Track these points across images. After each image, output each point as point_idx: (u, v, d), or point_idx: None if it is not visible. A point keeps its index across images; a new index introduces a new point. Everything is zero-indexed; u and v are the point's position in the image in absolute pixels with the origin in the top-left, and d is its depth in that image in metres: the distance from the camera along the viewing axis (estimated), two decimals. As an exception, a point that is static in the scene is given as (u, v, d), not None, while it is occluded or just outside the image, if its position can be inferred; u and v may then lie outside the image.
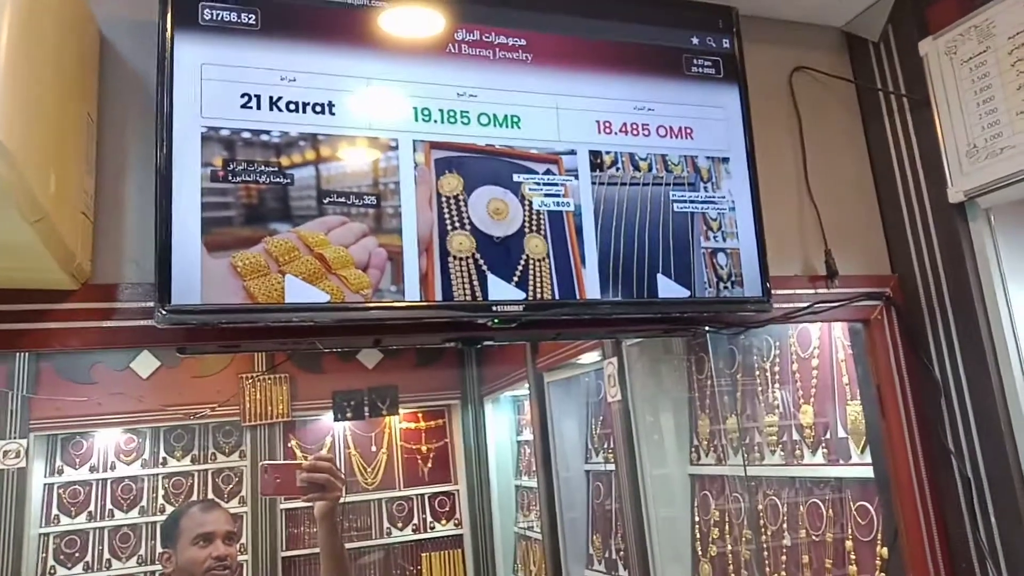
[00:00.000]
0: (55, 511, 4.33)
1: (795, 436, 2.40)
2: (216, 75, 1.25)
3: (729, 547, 2.67)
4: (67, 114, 1.16)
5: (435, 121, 1.37)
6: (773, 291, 1.61)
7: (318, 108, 1.30)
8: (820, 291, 1.76)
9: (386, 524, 4.82)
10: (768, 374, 2.55)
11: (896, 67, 1.84)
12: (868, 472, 1.92)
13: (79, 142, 1.22)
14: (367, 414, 4.46)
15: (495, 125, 1.41)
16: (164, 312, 1.16)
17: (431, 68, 1.40)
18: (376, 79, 1.35)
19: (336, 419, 4.49)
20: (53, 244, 1.08)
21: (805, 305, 1.72)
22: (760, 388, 2.58)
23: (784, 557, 2.42)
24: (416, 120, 1.37)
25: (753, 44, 1.76)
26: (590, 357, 3.19)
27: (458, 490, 4.99)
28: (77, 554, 4.30)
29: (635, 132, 1.52)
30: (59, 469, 4.39)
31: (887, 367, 1.77)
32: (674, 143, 1.55)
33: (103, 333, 1.26)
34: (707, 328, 1.83)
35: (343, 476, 2.59)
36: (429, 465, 5.00)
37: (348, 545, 4.43)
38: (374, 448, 4.91)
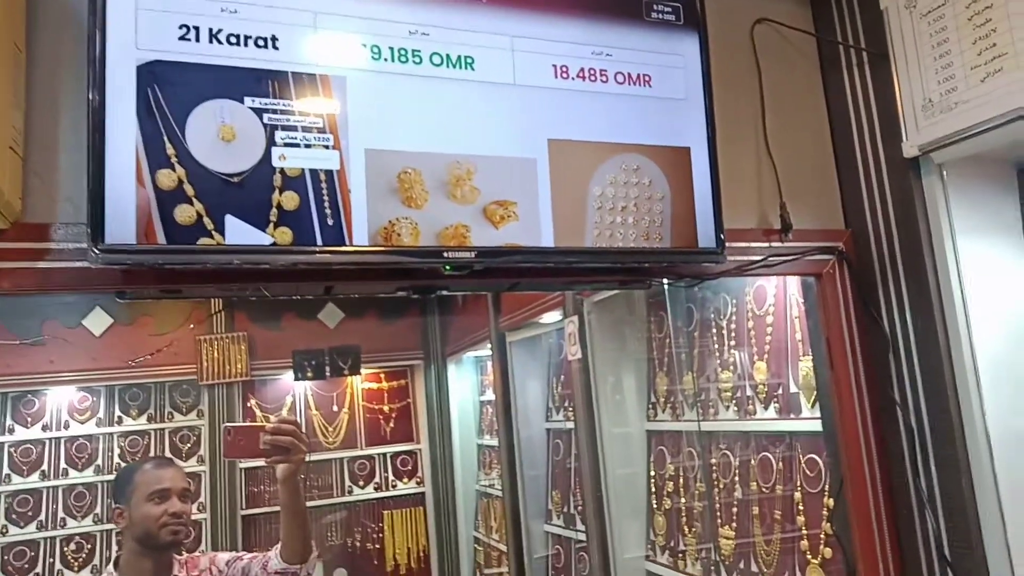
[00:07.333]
0: (6, 470, 4.24)
1: (748, 392, 2.43)
2: (152, 4, 1.19)
3: (683, 501, 2.72)
4: (-10, 41, 1.10)
5: (385, 60, 1.32)
6: (728, 244, 1.61)
7: (260, 42, 1.24)
8: (774, 244, 1.76)
9: (348, 483, 4.82)
10: (724, 332, 2.58)
11: (857, 20, 1.83)
12: (817, 426, 1.96)
13: (4, 72, 1.15)
14: (328, 374, 4.42)
15: (448, 65, 1.37)
16: (97, 251, 1.11)
17: (381, 4, 1.34)
18: (323, 13, 1.29)
19: (296, 378, 4.45)
20: (-25, 177, 1.03)
21: (759, 258, 1.72)
22: (716, 346, 2.61)
23: (735, 510, 2.47)
24: (366, 58, 1.32)
25: (715, -7, 1.74)
26: (552, 316, 3.19)
27: (420, 449, 5.01)
28: (30, 513, 4.23)
29: (592, 77, 1.49)
30: (10, 428, 4.30)
31: (837, 320, 1.80)
32: (632, 90, 1.53)
33: (36, 274, 1.21)
34: (664, 281, 1.83)
35: (307, 439, 2.56)
36: (391, 425, 5.00)
37: (309, 504, 4.42)
38: (336, 408, 4.89)
